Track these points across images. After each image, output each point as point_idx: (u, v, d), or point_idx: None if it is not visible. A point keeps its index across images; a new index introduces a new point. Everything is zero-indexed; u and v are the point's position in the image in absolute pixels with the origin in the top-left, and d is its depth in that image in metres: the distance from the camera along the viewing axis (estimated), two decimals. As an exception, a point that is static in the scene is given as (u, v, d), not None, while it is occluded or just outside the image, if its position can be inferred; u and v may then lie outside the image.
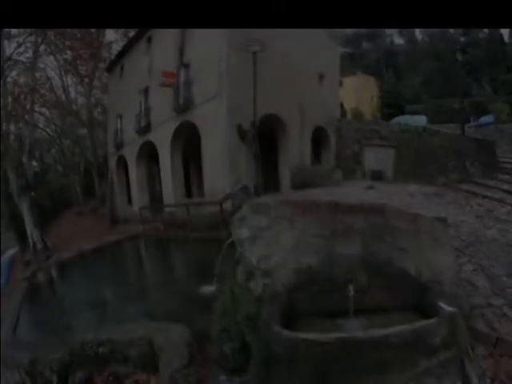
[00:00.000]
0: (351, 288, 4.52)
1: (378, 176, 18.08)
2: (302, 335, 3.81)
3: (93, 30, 27.67)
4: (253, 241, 5.05)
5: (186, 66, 19.30)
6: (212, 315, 5.40)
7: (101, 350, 5.64)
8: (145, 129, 22.63)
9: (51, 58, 31.83)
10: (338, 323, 4.48)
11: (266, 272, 4.85)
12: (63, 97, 35.01)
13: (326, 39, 24.15)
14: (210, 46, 17.17)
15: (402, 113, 42.84)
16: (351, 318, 4.51)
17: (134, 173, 24.81)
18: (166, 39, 20.51)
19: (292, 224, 4.79)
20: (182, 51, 19.38)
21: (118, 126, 27.28)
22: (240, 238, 5.17)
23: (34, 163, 35.64)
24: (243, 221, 5.16)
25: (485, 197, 12.16)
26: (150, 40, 22.81)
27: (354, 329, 4.20)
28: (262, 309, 4.44)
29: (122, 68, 26.84)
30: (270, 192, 15.29)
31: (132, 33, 26.02)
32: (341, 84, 30.68)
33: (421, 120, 30.51)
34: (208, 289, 7.65)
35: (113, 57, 29.00)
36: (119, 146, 26.73)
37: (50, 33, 25.60)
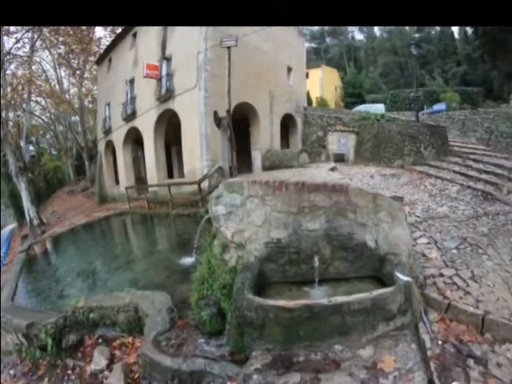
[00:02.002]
0: (316, 259, 4.50)
1: (340, 159, 18.04)
2: (272, 302, 3.78)
3: (84, 27, 27.17)
4: (228, 217, 4.99)
5: (168, 59, 18.97)
6: (191, 284, 5.37)
7: (91, 315, 5.66)
8: (130, 116, 22.15)
9: (46, 52, 31.56)
10: (304, 291, 4.46)
11: (239, 245, 4.81)
12: (57, 87, 34.28)
13: (294, 35, 24.16)
14: (189, 41, 16.93)
15: (363, 102, 42.95)
16: (316, 286, 4.51)
17: (121, 156, 24.32)
18: (149, 35, 20.20)
19: (263, 202, 4.72)
20: (164, 46, 19.10)
21: (107, 113, 26.68)
22: (216, 215, 5.10)
23: (31, 147, 34.98)
24: (219, 199, 5.07)
25: (437, 177, 12.21)
26: (135, 36, 22.31)
27: (319, 296, 4.18)
28: (236, 278, 4.40)
29: (110, 61, 26.22)
30: (243, 173, 15.15)
31: (119, 29, 25.54)
32: (307, 76, 30.57)
33: (380, 108, 30.58)
34: (187, 260, 7.61)
35: (102, 51, 28.48)
36: (107, 131, 26.16)
37: (46, 30, 25.18)
